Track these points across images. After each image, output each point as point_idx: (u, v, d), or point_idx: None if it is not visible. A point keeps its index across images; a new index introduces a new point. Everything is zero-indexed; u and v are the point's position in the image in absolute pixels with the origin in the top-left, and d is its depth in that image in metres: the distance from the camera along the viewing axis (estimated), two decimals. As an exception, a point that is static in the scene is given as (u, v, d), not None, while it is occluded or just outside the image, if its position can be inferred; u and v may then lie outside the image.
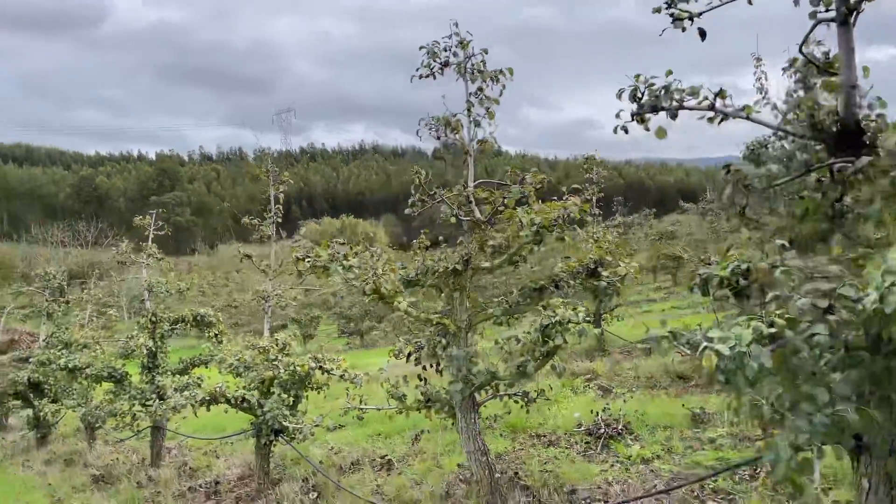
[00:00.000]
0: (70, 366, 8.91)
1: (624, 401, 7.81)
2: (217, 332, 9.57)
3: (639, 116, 3.08)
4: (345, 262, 4.44)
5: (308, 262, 4.50)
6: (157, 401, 8.01)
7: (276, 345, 6.64)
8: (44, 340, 12.99)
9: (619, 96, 3.11)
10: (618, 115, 3.12)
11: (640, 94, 3.06)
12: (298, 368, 6.77)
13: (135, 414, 9.63)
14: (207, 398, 6.89)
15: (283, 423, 6.68)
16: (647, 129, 3.08)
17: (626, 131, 3.13)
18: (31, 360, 11.01)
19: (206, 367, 9.47)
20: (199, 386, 8.80)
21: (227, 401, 6.94)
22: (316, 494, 6.62)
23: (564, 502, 5.06)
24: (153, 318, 9.38)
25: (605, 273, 4.43)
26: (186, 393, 6.89)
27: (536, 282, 4.54)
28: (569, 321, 3.93)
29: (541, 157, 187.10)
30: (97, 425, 11.30)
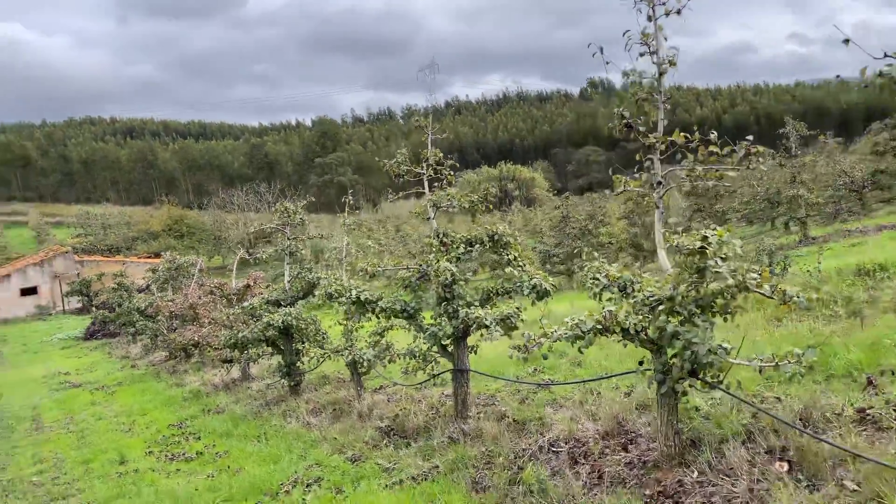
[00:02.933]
0: (362, 298, 7.36)
1: None
2: (516, 255, 7.60)
3: None
4: None
5: None
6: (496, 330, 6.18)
7: (707, 243, 4.39)
8: (288, 282, 11.93)
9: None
10: None
11: None
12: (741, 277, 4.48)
13: (426, 355, 8.01)
14: (598, 327, 4.83)
15: (723, 357, 4.47)
16: None
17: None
18: (314, 294, 9.81)
19: (510, 298, 7.56)
20: (520, 317, 6.88)
21: (624, 330, 4.84)
22: (787, 466, 4.38)
23: None
24: (443, 238, 7.58)
25: None
26: (569, 321, 4.87)
27: None
28: None
29: (699, 87, 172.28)
30: (363, 370, 9.96)
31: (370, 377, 10.90)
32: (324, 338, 11.63)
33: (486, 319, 6.73)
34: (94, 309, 33.97)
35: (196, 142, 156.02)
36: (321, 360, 10.32)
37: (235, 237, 60.61)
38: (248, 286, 14.42)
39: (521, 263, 7.57)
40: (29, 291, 46.36)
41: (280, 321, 10.79)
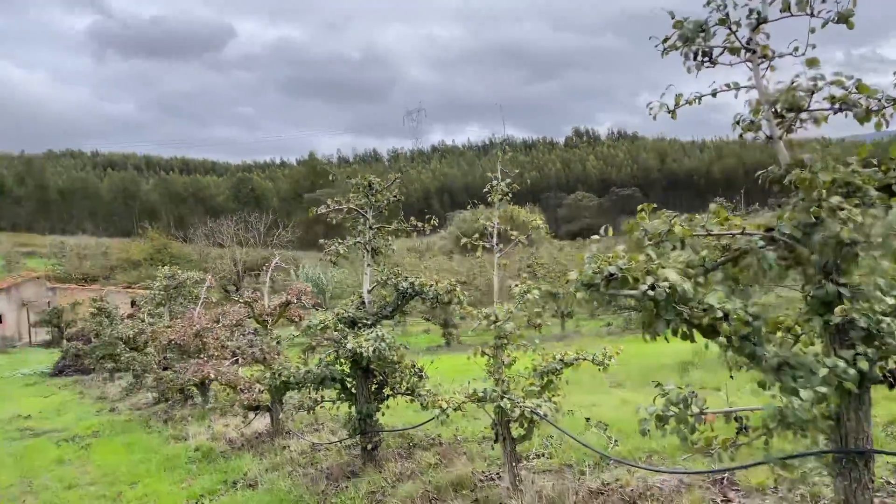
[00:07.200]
0: (680, 290, 3.48)
1: None
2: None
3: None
4: None
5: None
6: None
7: None
8: (368, 291, 8.01)
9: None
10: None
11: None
12: None
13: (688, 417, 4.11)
14: None
15: None
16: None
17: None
18: (404, 311, 6.06)
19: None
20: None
21: None
22: None
23: None
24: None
25: None
26: None
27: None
28: None
29: (683, 140, 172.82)
30: (519, 433, 6.04)
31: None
32: (420, 378, 7.71)
33: None
34: (65, 341, 29.42)
35: (179, 175, 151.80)
36: (445, 412, 6.28)
37: (223, 269, 56.05)
38: (287, 304, 10.45)
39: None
40: (-9, 321, 41.46)
41: (371, 349, 6.84)
